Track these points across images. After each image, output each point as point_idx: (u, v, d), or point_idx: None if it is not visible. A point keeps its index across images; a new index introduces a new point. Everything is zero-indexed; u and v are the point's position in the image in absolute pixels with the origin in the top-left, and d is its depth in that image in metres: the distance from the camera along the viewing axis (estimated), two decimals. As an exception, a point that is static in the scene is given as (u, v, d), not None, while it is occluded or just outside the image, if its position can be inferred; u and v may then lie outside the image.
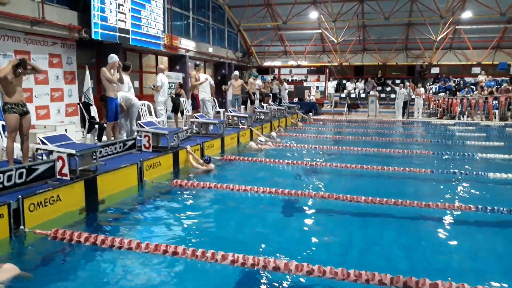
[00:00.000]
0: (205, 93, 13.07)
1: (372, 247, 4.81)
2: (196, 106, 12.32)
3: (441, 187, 7.62)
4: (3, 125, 7.33)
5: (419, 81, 24.29)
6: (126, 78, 9.21)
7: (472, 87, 21.54)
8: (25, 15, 9.89)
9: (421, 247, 4.82)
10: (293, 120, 17.26)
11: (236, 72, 15.69)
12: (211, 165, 8.38)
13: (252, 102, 16.42)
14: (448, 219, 5.74)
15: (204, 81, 12.68)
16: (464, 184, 7.67)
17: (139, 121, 9.03)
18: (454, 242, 5.08)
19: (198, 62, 13.18)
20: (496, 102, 19.08)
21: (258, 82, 17.64)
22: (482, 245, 4.94)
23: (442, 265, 4.34)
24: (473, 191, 7.33)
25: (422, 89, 21.20)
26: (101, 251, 4.44)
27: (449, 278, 3.66)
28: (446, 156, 10.26)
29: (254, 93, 16.59)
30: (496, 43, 22.78)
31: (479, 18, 21.21)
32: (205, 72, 18.07)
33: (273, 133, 13.16)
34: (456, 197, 6.75)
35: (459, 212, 5.87)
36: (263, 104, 18.48)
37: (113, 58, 8.42)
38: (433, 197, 6.30)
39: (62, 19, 11.03)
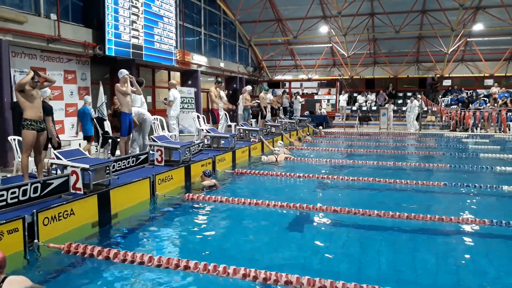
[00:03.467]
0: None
1: (385, 262, 4.75)
2: (215, 120, 12.47)
3: (455, 200, 7.53)
4: (19, 140, 7.48)
5: (430, 93, 24.18)
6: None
7: (485, 99, 21.38)
8: (42, 33, 10.14)
9: (434, 262, 4.75)
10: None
11: (249, 87, 15.80)
12: (213, 180, 8.06)
13: (264, 117, 16.49)
14: (462, 233, 5.66)
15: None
16: (478, 198, 7.57)
17: (152, 136, 9.12)
18: (468, 256, 5.00)
19: (219, 79, 13.35)
20: (511, 114, 18.86)
21: (269, 96, 17.68)
22: (497, 260, 4.85)
23: (457, 280, 4.28)
24: (487, 204, 7.22)
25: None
26: (114, 265, 4.46)
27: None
28: (460, 169, 10.15)
29: (265, 107, 16.66)
30: (508, 54, 22.61)
31: (490, 30, 21.12)
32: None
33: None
34: (470, 211, 6.65)
35: (473, 226, 5.79)
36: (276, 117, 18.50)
37: (122, 72, 8.57)
38: (447, 211, 6.23)
39: (77, 37, 11.28)
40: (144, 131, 9.49)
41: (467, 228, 5.79)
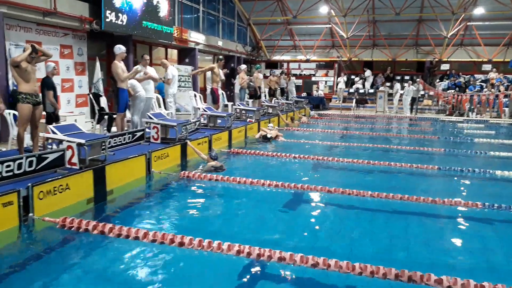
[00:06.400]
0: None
1: (377, 241, 4.82)
2: (216, 100, 12.35)
3: (448, 183, 7.60)
4: (14, 114, 7.44)
5: (428, 77, 24.11)
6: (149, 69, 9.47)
7: (482, 84, 21.40)
8: (37, 5, 9.96)
9: (427, 242, 4.82)
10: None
11: (244, 66, 15.67)
12: (217, 162, 7.78)
13: (258, 96, 16.27)
14: (454, 215, 5.74)
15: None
16: (471, 181, 7.65)
17: (148, 113, 9.07)
18: (461, 239, 5.09)
19: (221, 57, 13.19)
20: (507, 99, 18.91)
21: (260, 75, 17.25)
22: (489, 242, 4.92)
23: (448, 260, 4.34)
24: (480, 188, 7.30)
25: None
26: (109, 240, 4.49)
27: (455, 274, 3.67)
28: (454, 153, 10.21)
29: (259, 87, 16.41)
30: (508, 40, 22.48)
31: (491, 14, 20.94)
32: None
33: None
34: (463, 194, 6.73)
35: (465, 209, 5.86)
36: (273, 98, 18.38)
37: (121, 48, 8.45)
38: (440, 194, 6.30)
39: (74, 11, 11.10)
40: (134, 108, 9.28)
41: (459, 210, 5.85)
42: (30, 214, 4.94)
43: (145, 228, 4.61)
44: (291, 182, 6.68)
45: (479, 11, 20.83)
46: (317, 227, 5.36)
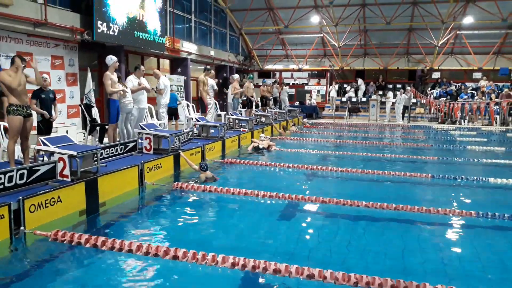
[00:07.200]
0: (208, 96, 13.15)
1: (372, 251, 4.79)
2: (204, 109, 12.41)
3: (442, 192, 7.61)
4: (4, 126, 7.36)
5: (420, 85, 24.32)
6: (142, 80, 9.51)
7: (473, 92, 21.64)
8: (28, 17, 9.92)
9: (421, 252, 4.80)
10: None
11: (236, 75, 15.71)
12: (208, 173, 7.68)
13: (250, 106, 16.29)
14: (448, 224, 5.73)
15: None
16: (465, 190, 7.66)
17: (140, 123, 9.03)
18: (455, 248, 5.08)
19: (208, 67, 13.24)
20: (498, 107, 19.10)
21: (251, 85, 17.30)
22: (483, 251, 4.91)
23: (443, 270, 4.33)
24: (474, 196, 7.32)
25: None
26: (101, 253, 4.42)
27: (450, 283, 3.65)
28: (447, 161, 10.26)
29: (252, 96, 16.44)
30: (497, 48, 22.81)
31: (480, 23, 21.24)
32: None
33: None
34: (457, 203, 6.73)
35: (460, 218, 5.86)
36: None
37: (113, 59, 8.49)
38: (434, 203, 6.30)
39: (65, 21, 11.06)
40: (125, 119, 9.25)
41: (453, 219, 5.85)
42: (22, 228, 4.87)
43: (139, 241, 4.55)
44: (285, 192, 6.65)
45: (468, 20, 21.12)
46: (311, 238, 5.33)
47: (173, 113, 11.77)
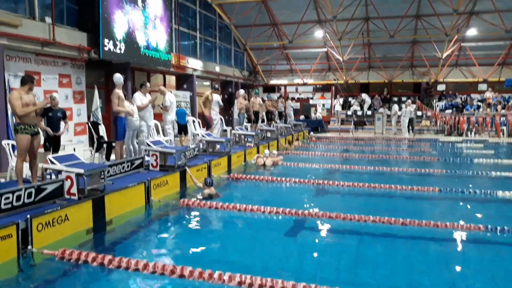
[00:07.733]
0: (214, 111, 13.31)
1: (380, 267, 4.75)
2: (209, 124, 12.53)
3: (450, 206, 7.55)
4: (13, 145, 7.43)
5: (425, 98, 24.30)
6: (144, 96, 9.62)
7: (479, 103, 21.57)
8: (36, 36, 10.09)
9: (430, 267, 4.75)
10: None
11: (242, 91, 15.82)
12: (212, 189, 7.62)
13: (256, 121, 16.39)
14: (457, 239, 5.68)
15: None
16: (473, 203, 7.60)
17: (147, 140, 9.08)
18: (463, 263, 5.02)
19: (217, 86, 13.64)
20: (504, 119, 19.02)
21: (258, 99, 17.48)
22: (492, 265, 4.86)
23: (452, 285, 4.28)
24: (482, 210, 7.25)
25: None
26: (108, 272, 4.43)
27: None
28: (454, 174, 10.19)
29: (258, 111, 16.55)
30: (502, 59, 22.80)
31: (484, 35, 21.27)
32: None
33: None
34: (465, 217, 6.67)
35: (468, 232, 5.80)
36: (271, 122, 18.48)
37: (121, 79, 8.68)
38: (442, 217, 6.25)
39: (72, 40, 11.23)
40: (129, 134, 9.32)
41: (462, 234, 5.80)
42: (29, 247, 4.88)
43: (145, 259, 4.56)
44: (291, 208, 6.63)
45: (471, 32, 21.16)
46: (319, 255, 5.29)
47: (182, 129, 11.86)
